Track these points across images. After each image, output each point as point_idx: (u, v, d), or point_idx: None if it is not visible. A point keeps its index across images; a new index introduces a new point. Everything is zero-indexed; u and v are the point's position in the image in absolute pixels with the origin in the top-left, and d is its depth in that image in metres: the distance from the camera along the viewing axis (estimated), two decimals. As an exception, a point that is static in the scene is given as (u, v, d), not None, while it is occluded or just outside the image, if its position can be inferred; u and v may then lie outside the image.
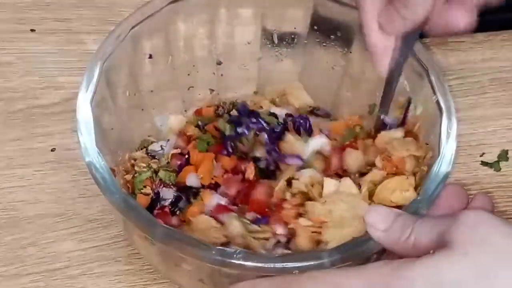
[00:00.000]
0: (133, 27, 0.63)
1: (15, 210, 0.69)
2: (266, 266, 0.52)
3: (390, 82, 0.63)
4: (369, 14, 0.61)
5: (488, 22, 0.81)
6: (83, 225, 0.69)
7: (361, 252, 0.54)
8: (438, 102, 0.60)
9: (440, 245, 0.48)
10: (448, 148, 0.58)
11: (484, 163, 0.73)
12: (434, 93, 0.61)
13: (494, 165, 0.73)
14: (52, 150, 0.73)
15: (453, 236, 0.47)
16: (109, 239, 0.68)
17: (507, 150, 0.74)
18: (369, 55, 0.63)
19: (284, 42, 0.70)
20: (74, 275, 0.66)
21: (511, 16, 0.81)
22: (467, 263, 0.46)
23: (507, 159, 0.74)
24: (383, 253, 0.55)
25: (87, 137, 0.58)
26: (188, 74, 0.70)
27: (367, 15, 0.61)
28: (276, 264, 0.52)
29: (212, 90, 0.72)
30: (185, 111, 0.72)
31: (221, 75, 0.72)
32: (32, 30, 0.80)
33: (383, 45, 0.61)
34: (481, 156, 0.74)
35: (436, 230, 0.49)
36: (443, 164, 0.57)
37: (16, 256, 0.67)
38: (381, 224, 0.52)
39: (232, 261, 0.53)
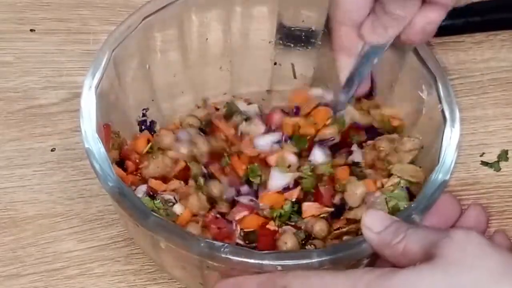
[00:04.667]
0: (145, 18, 0.64)
1: (14, 210, 0.69)
2: (253, 262, 0.53)
3: (349, 86, 0.65)
4: (347, 15, 0.61)
5: (488, 22, 0.81)
6: (82, 225, 0.69)
7: (350, 254, 0.54)
8: (443, 111, 0.61)
9: (427, 257, 0.49)
10: (448, 157, 0.58)
11: (484, 163, 0.73)
12: (440, 102, 0.61)
13: (494, 165, 0.73)
14: (51, 150, 0.73)
15: (439, 252, 0.48)
16: (108, 239, 0.68)
17: (507, 150, 0.74)
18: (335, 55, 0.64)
19: (299, 42, 0.70)
20: (73, 275, 0.66)
21: (511, 16, 0.81)
22: (446, 280, 0.47)
23: (507, 159, 0.74)
24: (376, 258, 0.56)
25: (88, 124, 0.58)
26: (200, 69, 0.71)
27: (345, 15, 0.62)
28: (263, 261, 0.52)
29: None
30: (198, 107, 0.72)
31: (235, 71, 0.72)
32: (32, 30, 0.80)
33: (352, 49, 0.63)
34: (481, 156, 0.74)
35: (426, 241, 0.50)
36: (442, 172, 0.58)
37: (15, 256, 0.67)
38: (376, 226, 0.52)
39: (219, 254, 0.53)
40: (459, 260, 0.48)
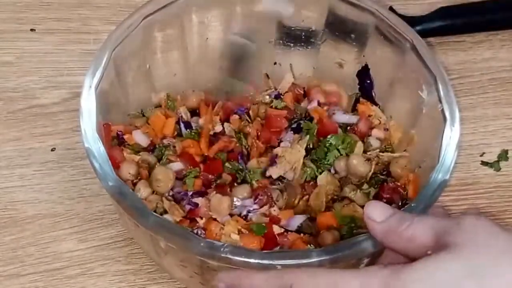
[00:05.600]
0: (145, 17, 0.64)
1: (14, 210, 0.69)
2: (253, 261, 0.53)
3: None
4: None
5: (488, 22, 0.81)
6: (82, 225, 0.69)
7: (350, 254, 0.54)
8: (443, 111, 0.61)
9: (439, 245, 0.49)
10: (447, 157, 0.58)
11: (484, 163, 0.73)
12: (440, 101, 0.61)
13: (494, 165, 0.73)
14: (52, 150, 0.73)
15: (453, 240, 0.48)
16: (109, 239, 0.68)
17: (507, 150, 0.74)
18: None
19: (299, 42, 0.71)
20: (73, 275, 0.66)
21: (511, 16, 0.81)
22: (465, 265, 0.47)
23: (507, 159, 0.74)
24: (376, 258, 0.55)
25: (88, 123, 0.58)
26: (200, 69, 0.71)
27: None
28: (263, 261, 0.53)
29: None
30: None
31: (234, 71, 0.72)
32: (32, 30, 0.81)
33: None
34: (481, 156, 0.74)
35: (437, 229, 0.50)
36: (442, 172, 0.58)
37: (15, 256, 0.67)
38: (379, 216, 0.52)
39: (220, 254, 0.53)
40: (474, 245, 0.48)
